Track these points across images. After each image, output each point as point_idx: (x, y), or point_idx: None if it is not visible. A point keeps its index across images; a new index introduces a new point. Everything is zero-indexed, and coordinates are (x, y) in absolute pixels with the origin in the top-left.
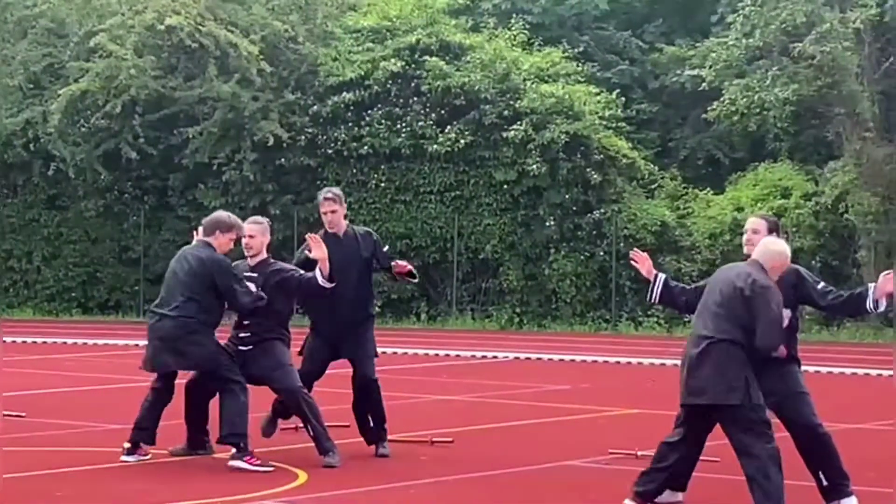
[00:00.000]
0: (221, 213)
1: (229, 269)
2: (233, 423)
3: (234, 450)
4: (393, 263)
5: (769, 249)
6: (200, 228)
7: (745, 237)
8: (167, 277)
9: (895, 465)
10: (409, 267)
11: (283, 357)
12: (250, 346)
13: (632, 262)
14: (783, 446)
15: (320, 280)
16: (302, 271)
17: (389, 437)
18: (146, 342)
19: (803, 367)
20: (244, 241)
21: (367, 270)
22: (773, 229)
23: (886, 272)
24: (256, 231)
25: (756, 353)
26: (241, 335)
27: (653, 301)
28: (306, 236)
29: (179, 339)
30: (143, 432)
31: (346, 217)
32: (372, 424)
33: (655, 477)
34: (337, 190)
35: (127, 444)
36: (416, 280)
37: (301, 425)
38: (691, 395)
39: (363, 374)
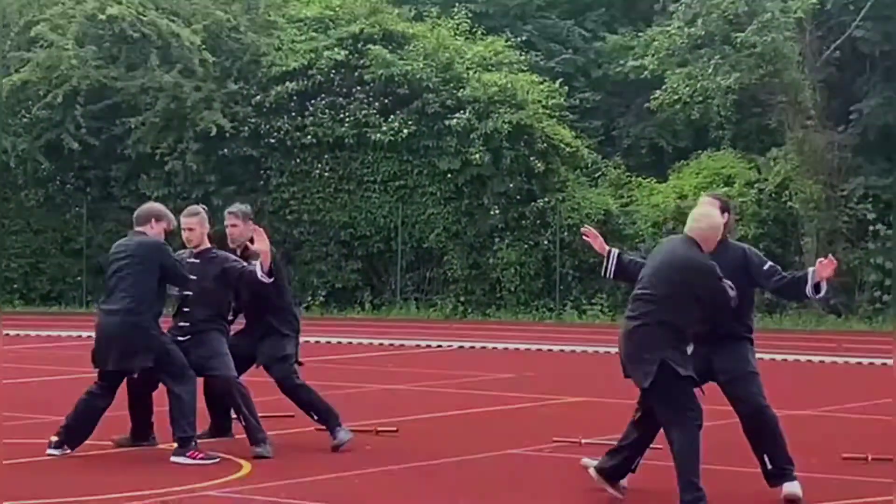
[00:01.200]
0: (153, 204)
1: (167, 248)
2: (182, 425)
3: (176, 444)
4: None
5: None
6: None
7: None
8: (110, 273)
9: (838, 452)
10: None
11: (219, 346)
12: (188, 336)
13: (584, 239)
14: (730, 431)
15: (259, 274)
16: (245, 263)
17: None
18: (96, 339)
19: None
20: (184, 234)
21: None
22: (725, 209)
23: (821, 259)
24: (195, 223)
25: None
26: (181, 324)
27: (608, 277)
28: (253, 228)
29: (131, 337)
30: (72, 437)
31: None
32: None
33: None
34: (244, 207)
35: (54, 438)
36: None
37: None
38: None
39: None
